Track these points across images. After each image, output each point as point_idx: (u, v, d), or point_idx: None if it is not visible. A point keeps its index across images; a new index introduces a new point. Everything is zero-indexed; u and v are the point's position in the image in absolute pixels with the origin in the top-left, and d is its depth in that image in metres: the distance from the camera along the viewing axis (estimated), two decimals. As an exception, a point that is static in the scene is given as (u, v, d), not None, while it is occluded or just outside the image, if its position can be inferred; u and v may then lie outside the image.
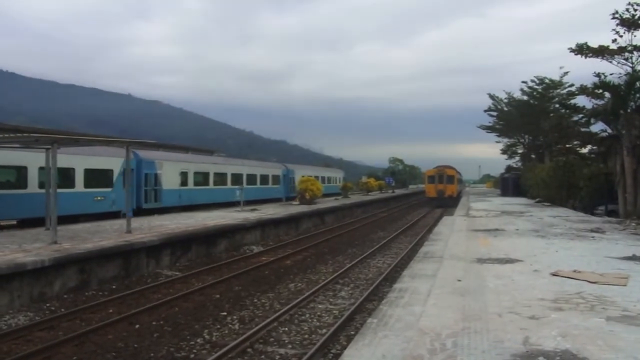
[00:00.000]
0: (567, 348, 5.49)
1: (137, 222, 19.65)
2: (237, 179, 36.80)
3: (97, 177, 23.15)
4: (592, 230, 17.77)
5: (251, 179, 39.30)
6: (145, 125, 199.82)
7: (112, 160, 24.00)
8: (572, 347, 5.53)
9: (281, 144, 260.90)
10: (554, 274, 9.68)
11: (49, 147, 15.83)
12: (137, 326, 9.79)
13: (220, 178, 34.88)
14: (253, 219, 22.73)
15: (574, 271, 9.88)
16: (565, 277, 9.42)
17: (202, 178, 32.69)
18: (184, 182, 30.20)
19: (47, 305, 11.22)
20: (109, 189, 23.88)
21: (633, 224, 19.86)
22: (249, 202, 34.06)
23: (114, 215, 22.94)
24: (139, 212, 24.83)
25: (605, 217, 25.77)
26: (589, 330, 6.14)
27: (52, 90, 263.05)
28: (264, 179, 42.08)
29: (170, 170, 28.80)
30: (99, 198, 22.88)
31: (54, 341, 8.68)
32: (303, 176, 48.23)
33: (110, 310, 10.88)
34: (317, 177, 51.37)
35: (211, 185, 33.63)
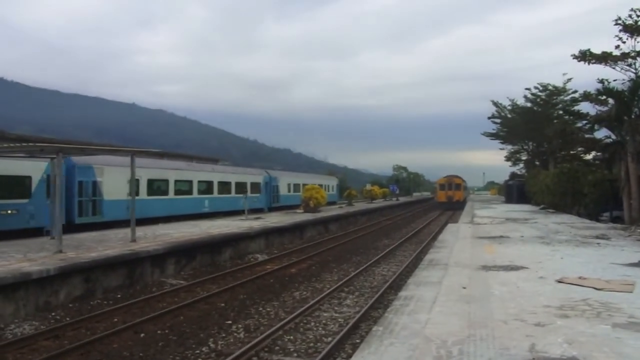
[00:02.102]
0: (574, 355, 5.48)
1: (141, 231, 19.71)
2: (206, 187, 32.56)
3: (8, 186, 19.04)
4: (597, 237, 17.72)
5: (224, 187, 34.72)
6: (149, 134, 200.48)
7: (30, 165, 19.81)
8: (579, 354, 5.51)
9: (285, 152, 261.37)
10: (559, 281, 9.66)
11: (54, 156, 15.95)
12: (142, 335, 9.80)
13: (184, 186, 30.21)
14: (257, 228, 22.75)
15: (580, 278, 9.86)
16: (570, 284, 9.39)
17: (159, 186, 27.91)
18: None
19: (53, 314, 11.23)
20: (25, 201, 19.67)
21: (638, 230, 19.78)
22: (218, 214, 31.49)
23: (36, 232, 19.20)
24: (70, 228, 20.28)
25: (610, 224, 25.68)
26: (595, 337, 6.12)
27: (56, 99, 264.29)
28: (241, 187, 36.71)
29: (113, 178, 24.20)
30: (10, 212, 18.89)
31: (60, 350, 8.68)
32: (293, 184, 46.24)
33: (116, 319, 10.89)
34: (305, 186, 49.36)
35: (171, 195, 28.93)
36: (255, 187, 39.47)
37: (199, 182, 31.85)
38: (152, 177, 27.40)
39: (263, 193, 41.04)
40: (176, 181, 29.41)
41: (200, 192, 31.81)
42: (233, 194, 35.44)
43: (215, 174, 34.23)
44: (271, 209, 40.07)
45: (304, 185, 48.17)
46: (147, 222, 24.34)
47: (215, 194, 33.25)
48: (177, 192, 29.34)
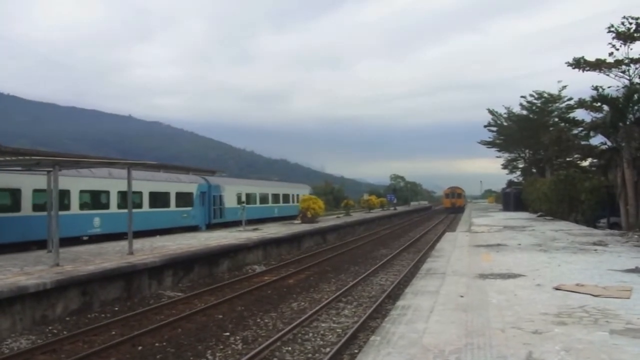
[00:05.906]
0: (571, 362, 5.47)
1: (139, 243, 19.67)
2: (97, 199, 24.29)
3: None
4: (594, 244, 17.72)
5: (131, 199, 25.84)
6: (146, 147, 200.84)
7: None
8: (576, 361, 5.51)
9: (282, 163, 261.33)
10: (556, 288, 9.65)
11: (50, 169, 15.95)
12: (139, 348, 9.75)
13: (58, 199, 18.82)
14: (255, 239, 22.73)
15: (577, 285, 9.85)
16: (568, 291, 9.39)
17: (5, 200, 20.04)
18: None
19: (50, 328, 11.18)
20: None
21: (635, 236, 19.81)
22: (115, 235, 22.73)
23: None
24: None
25: (607, 230, 25.70)
26: (592, 344, 6.12)
27: (54, 112, 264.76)
28: (160, 198, 28.51)
29: None
30: None
31: (57, 364, 8.64)
32: (245, 195, 37.97)
33: (113, 332, 10.84)
34: (264, 196, 42.33)
35: (28, 212, 20.22)
36: (184, 198, 30.87)
37: (82, 192, 23.17)
38: None
39: (197, 206, 32.18)
40: (35, 191, 20.43)
41: (84, 206, 23.45)
42: (146, 208, 27.19)
43: (113, 182, 24.58)
44: (211, 226, 32.62)
45: (261, 195, 41.97)
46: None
47: (114, 209, 24.58)
48: (38, 207, 20.26)
